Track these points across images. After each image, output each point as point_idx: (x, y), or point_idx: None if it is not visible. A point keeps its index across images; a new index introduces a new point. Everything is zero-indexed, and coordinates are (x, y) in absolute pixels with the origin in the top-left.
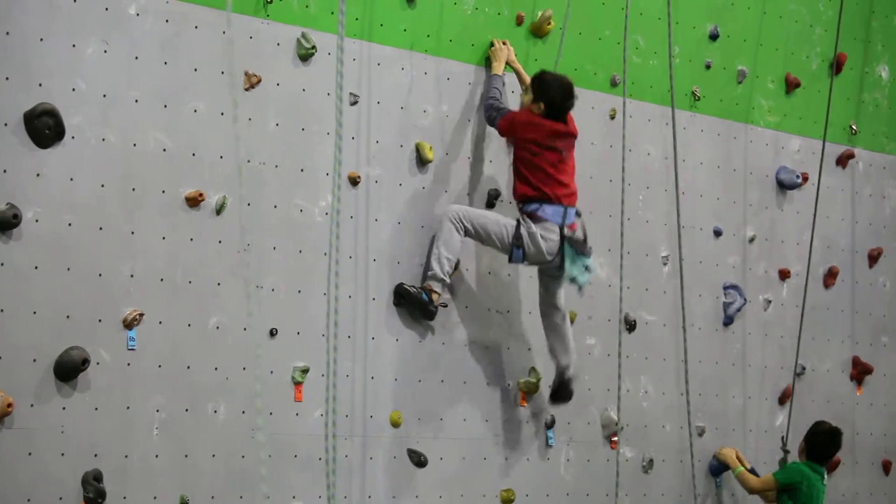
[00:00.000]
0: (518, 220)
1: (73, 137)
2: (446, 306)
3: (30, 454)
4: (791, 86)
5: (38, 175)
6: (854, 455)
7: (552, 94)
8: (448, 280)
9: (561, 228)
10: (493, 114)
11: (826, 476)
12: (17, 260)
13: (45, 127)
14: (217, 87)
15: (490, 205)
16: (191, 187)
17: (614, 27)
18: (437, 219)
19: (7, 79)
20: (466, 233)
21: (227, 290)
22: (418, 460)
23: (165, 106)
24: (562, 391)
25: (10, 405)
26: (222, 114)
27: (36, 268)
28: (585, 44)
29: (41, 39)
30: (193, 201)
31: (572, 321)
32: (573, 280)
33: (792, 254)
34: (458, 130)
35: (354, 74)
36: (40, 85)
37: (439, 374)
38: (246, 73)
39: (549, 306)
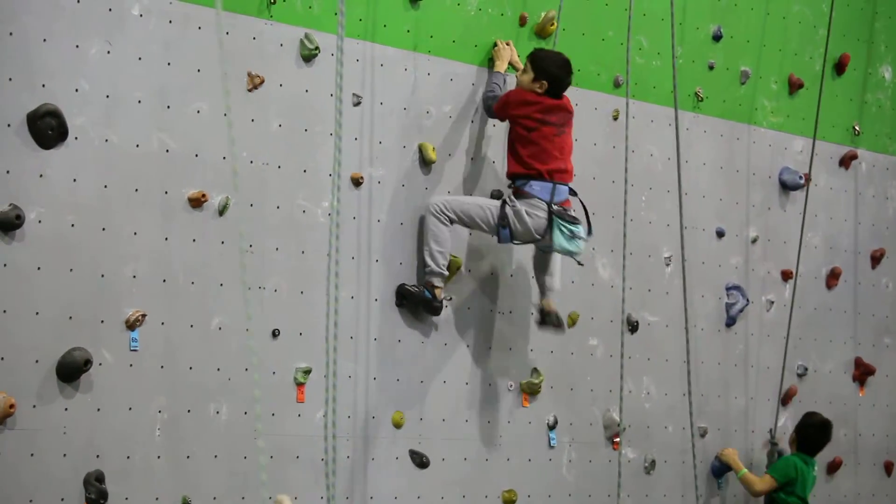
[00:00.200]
0: (503, 200)
1: (76, 138)
2: (451, 299)
3: (32, 455)
4: (794, 87)
5: (41, 176)
6: (856, 456)
7: (553, 72)
8: (446, 272)
9: (549, 205)
10: (489, 102)
11: (817, 466)
12: (19, 260)
13: (48, 128)
14: (220, 87)
15: None
16: (193, 188)
17: (617, 28)
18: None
19: (10, 79)
20: (451, 222)
21: (230, 291)
22: (420, 461)
23: (168, 107)
24: (543, 317)
25: (12, 406)
26: (225, 114)
27: (39, 268)
28: (588, 44)
29: (44, 40)
30: (196, 202)
31: (574, 322)
32: (565, 251)
33: (794, 255)
34: (462, 131)
35: (357, 75)
36: (43, 86)
37: (441, 375)
38: (249, 74)
39: (544, 265)
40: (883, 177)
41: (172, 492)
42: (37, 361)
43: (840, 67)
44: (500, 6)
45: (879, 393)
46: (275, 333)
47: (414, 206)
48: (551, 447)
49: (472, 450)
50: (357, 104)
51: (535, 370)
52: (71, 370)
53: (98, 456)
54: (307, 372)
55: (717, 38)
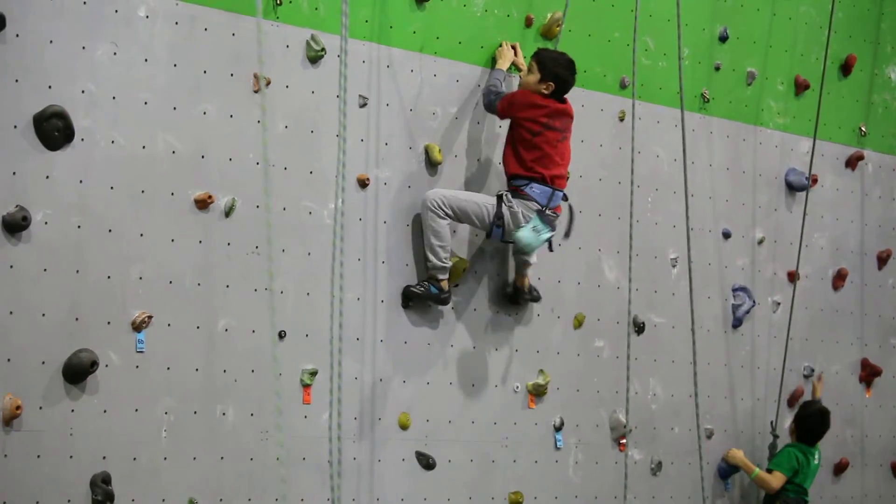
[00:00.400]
0: (500, 197)
1: (82, 140)
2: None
3: (38, 457)
4: (800, 88)
5: (47, 177)
6: (863, 457)
7: (560, 73)
8: (448, 264)
9: (543, 208)
10: (491, 97)
11: (819, 454)
12: (26, 262)
13: (54, 129)
14: (226, 89)
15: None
16: (200, 189)
17: (624, 29)
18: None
19: (16, 81)
20: (447, 216)
21: (236, 293)
22: (427, 463)
23: (175, 108)
24: (514, 296)
25: (18, 407)
26: (231, 116)
27: (45, 270)
28: (595, 46)
29: (51, 42)
30: (202, 203)
31: (581, 323)
32: (520, 242)
33: (801, 256)
34: (468, 133)
35: (364, 76)
36: (50, 87)
37: (448, 377)
38: (255, 76)
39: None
40: (889, 177)
41: (179, 493)
42: (43, 363)
43: (846, 68)
44: (506, 7)
45: (886, 394)
46: (281, 335)
47: (420, 207)
48: (558, 449)
49: (478, 451)
50: (363, 105)
51: (541, 371)
52: (77, 371)
53: (104, 457)
54: (313, 373)
55: (723, 39)
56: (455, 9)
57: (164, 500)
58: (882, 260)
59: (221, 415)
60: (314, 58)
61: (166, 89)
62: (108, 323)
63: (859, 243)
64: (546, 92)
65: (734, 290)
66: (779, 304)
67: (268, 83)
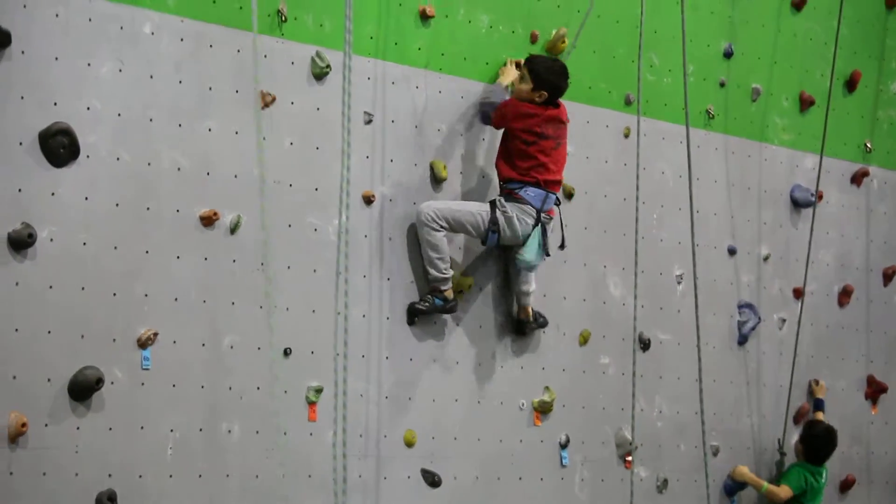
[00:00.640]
0: (494, 203)
1: (87, 156)
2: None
3: (44, 474)
4: (805, 104)
5: (52, 194)
6: (869, 474)
7: (553, 81)
8: (450, 274)
9: (538, 212)
10: (486, 109)
11: (827, 473)
12: (31, 279)
13: (59, 146)
14: (232, 105)
15: None
16: (205, 206)
17: (628, 45)
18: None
19: (22, 98)
20: (443, 228)
21: (242, 310)
22: (432, 480)
23: (180, 125)
24: (519, 327)
25: (24, 425)
26: (237, 132)
27: (51, 287)
28: (600, 62)
29: (56, 58)
30: (208, 220)
31: (586, 340)
32: (526, 263)
33: (806, 273)
34: (473, 149)
35: (369, 93)
36: (55, 104)
37: (453, 394)
38: (261, 92)
39: (520, 283)
40: (895, 194)
41: None
42: (49, 380)
43: (852, 84)
44: (511, 23)
45: (892, 411)
46: (287, 352)
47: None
48: (563, 466)
49: (483, 469)
50: (368, 122)
51: (546, 388)
52: (83, 389)
53: (110, 475)
54: (319, 391)
55: (728, 55)
56: (460, 25)
57: None
58: (888, 276)
59: (227, 432)
60: (319, 74)
61: (171, 106)
62: (114, 340)
63: (865, 260)
64: (539, 100)
65: (740, 306)
66: (784, 320)
67: (273, 100)
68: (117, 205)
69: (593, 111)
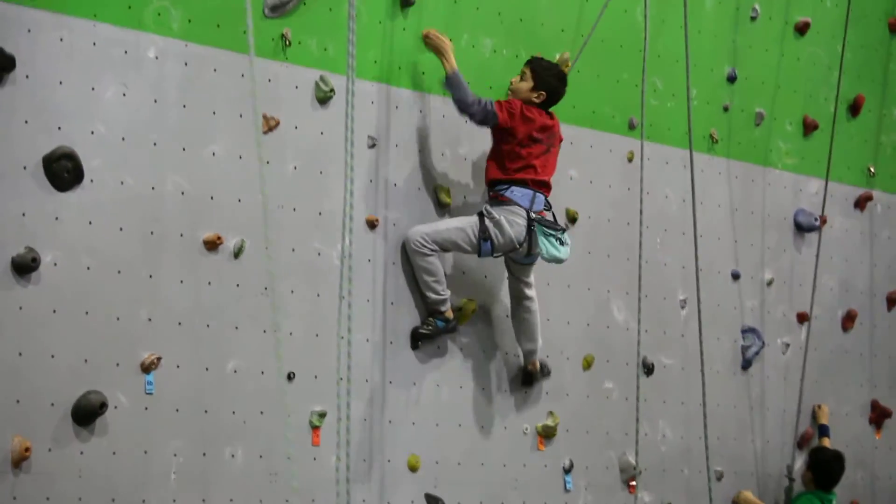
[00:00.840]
0: (481, 213)
1: (91, 181)
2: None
3: (47, 499)
4: (809, 128)
5: (56, 218)
6: (873, 499)
7: (554, 84)
8: (447, 294)
9: (528, 212)
10: (483, 105)
11: (836, 501)
12: (35, 304)
13: (63, 170)
14: (235, 129)
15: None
16: (209, 230)
17: (632, 70)
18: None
19: (26, 122)
20: (433, 251)
21: (246, 334)
22: None
23: (184, 149)
24: (527, 379)
25: (27, 449)
26: (240, 157)
27: (54, 311)
28: (603, 86)
29: (60, 83)
30: (211, 245)
31: (590, 365)
32: (554, 259)
33: (810, 297)
34: (477, 174)
35: (372, 117)
36: (59, 128)
37: (457, 418)
38: (264, 116)
39: (520, 297)
40: None
41: None
42: (52, 404)
43: (855, 109)
44: (514, 48)
45: None
46: (290, 376)
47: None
48: (567, 491)
49: (487, 493)
50: (372, 146)
51: (550, 413)
52: (86, 413)
53: (114, 500)
54: (322, 415)
55: (731, 79)
56: (463, 49)
57: None
58: (891, 301)
59: (231, 457)
60: (323, 98)
61: (175, 130)
62: (117, 364)
63: (868, 284)
64: (537, 101)
65: (743, 331)
66: (788, 345)
67: (276, 124)
68: (121, 229)
69: (597, 135)
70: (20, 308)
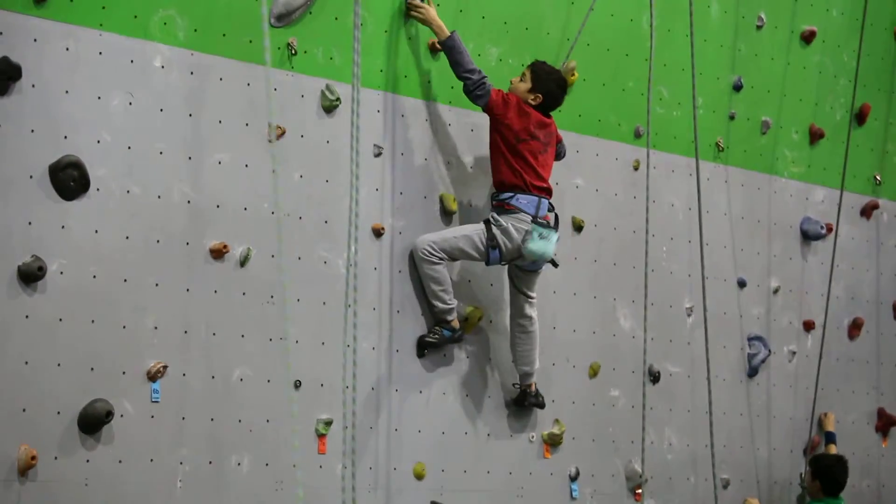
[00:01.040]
0: (488, 221)
1: (97, 189)
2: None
3: None
4: (815, 137)
5: (62, 227)
6: None
7: (552, 88)
8: (454, 304)
9: (534, 219)
10: (486, 82)
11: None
12: (41, 312)
13: (69, 179)
14: (241, 138)
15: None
16: (215, 239)
17: (638, 78)
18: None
19: (32, 131)
20: (441, 260)
21: (252, 343)
22: None
23: (190, 158)
24: (520, 398)
25: (33, 458)
26: (247, 165)
27: (60, 320)
28: (609, 95)
29: (66, 92)
30: (217, 253)
31: (596, 373)
32: (538, 256)
33: (816, 305)
34: (483, 182)
35: (378, 126)
36: (65, 137)
37: (463, 426)
38: (270, 125)
39: (520, 315)
40: None
41: None
42: (58, 413)
43: (861, 117)
44: (520, 56)
45: None
46: (296, 385)
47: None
48: (573, 499)
49: (494, 501)
50: (378, 155)
51: (556, 421)
52: (92, 421)
53: None
54: (328, 423)
55: (737, 88)
56: None
57: None
58: None
59: (236, 465)
60: (329, 107)
61: (181, 139)
62: (124, 373)
63: (875, 292)
64: (533, 103)
65: (750, 339)
66: (794, 353)
67: (282, 132)
68: (127, 238)
69: (603, 144)
70: (26, 316)
